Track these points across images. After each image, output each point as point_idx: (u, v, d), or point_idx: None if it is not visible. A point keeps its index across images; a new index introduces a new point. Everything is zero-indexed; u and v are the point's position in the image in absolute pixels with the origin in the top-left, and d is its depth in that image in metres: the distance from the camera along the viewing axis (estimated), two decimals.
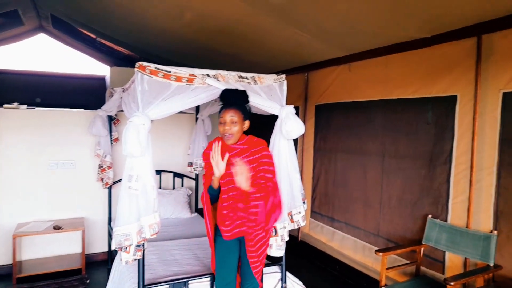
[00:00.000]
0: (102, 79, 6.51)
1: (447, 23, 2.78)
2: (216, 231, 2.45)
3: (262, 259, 2.41)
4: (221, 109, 2.32)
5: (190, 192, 4.83)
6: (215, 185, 2.29)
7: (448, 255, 2.98)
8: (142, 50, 5.62)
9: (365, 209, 3.80)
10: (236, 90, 2.32)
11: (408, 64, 3.31)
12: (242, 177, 2.14)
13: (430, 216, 3.08)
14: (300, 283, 2.92)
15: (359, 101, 3.87)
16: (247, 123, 2.35)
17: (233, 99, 2.29)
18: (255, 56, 4.50)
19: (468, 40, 2.81)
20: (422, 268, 3.15)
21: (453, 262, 2.95)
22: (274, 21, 3.23)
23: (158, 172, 4.60)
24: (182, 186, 4.86)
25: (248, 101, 2.35)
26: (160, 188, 4.66)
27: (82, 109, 4.51)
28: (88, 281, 3.81)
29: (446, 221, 2.98)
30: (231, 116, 2.25)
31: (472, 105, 2.79)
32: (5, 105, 4.04)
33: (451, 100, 2.94)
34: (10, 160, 4.00)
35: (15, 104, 4.13)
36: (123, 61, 6.54)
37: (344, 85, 4.07)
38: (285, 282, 2.79)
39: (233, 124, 2.26)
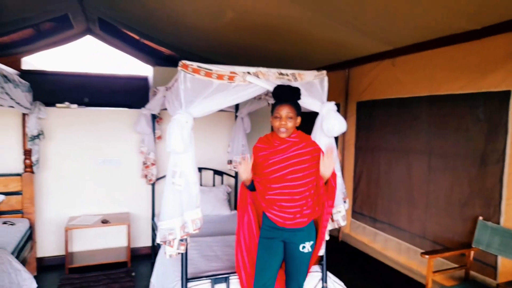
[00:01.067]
0: (145, 79, 6.74)
1: (499, 13, 2.61)
2: (261, 233, 2.43)
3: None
4: (275, 104, 2.33)
5: (230, 190, 4.88)
6: (246, 183, 2.45)
7: (500, 259, 2.81)
8: (183, 49, 5.75)
9: (410, 210, 3.67)
10: (290, 86, 2.33)
11: (456, 58, 3.15)
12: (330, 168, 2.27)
13: (481, 218, 2.92)
14: (341, 283, 2.87)
15: (403, 97, 3.74)
16: (299, 119, 2.36)
17: (288, 95, 2.30)
18: (294, 53, 4.47)
19: None
20: (472, 272, 3.00)
21: (506, 267, 2.78)
22: (314, 16, 3.19)
23: (199, 170, 4.68)
24: (222, 183, 4.92)
25: (299, 98, 2.35)
26: (201, 185, 4.74)
27: (127, 108, 4.68)
28: (133, 274, 3.96)
29: (498, 223, 2.81)
30: (287, 111, 2.26)
31: None
32: (57, 105, 4.28)
33: (505, 96, 2.77)
34: (62, 157, 4.24)
35: (66, 103, 4.36)
36: (164, 61, 6.72)
37: (387, 81, 3.94)
38: (326, 282, 2.76)
39: (289, 119, 2.27)
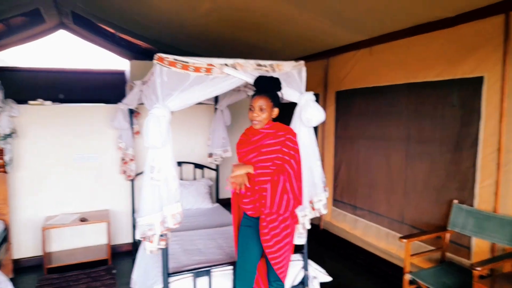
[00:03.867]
0: (122, 74, 6.60)
1: (472, 1, 2.67)
2: (242, 221, 2.48)
3: (281, 254, 2.32)
4: (252, 96, 2.33)
5: (211, 183, 4.86)
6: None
7: (474, 240, 2.91)
8: (161, 42, 5.66)
9: (389, 196, 3.74)
10: (268, 77, 2.33)
11: (431, 45, 3.20)
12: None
13: (456, 201, 3.01)
14: (323, 270, 2.92)
15: (381, 86, 3.79)
16: (276, 111, 2.34)
17: (263, 86, 2.30)
18: (274, 44, 4.46)
19: (495, 18, 2.69)
20: (448, 254, 3.09)
21: (480, 247, 2.88)
22: (291, 7, 3.18)
23: (179, 164, 4.65)
24: (203, 177, 4.90)
25: (280, 89, 2.34)
26: (181, 179, 4.71)
27: (104, 104, 4.59)
28: (114, 271, 3.92)
29: (472, 206, 2.90)
30: (259, 103, 2.26)
31: (499, 85, 2.68)
32: (30, 102, 4.15)
33: (478, 82, 2.84)
34: (36, 156, 4.12)
35: (40, 100, 4.23)
36: (142, 54, 6.61)
37: (365, 70, 3.99)
38: (307, 270, 2.79)
39: (261, 111, 2.27)
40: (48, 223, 3.93)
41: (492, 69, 2.74)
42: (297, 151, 2.32)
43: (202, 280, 2.54)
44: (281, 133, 2.32)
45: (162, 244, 2.28)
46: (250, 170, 2.26)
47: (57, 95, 6.17)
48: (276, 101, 2.33)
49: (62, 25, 6.19)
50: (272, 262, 2.32)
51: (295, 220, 2.46)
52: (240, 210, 2.54)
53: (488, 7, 2.68)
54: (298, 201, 2.31)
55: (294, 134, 2.35)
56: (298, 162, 2.31)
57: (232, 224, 2.65)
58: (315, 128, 2.69)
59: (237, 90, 3.71)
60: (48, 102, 4.25)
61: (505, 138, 2.65)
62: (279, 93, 2.36)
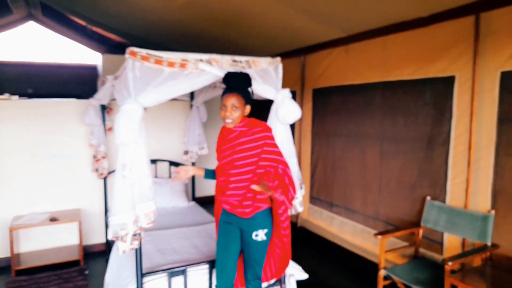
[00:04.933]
0: (94, 68, 6.42)
1: (445, 1, 2.73)
2: (221, 217, 2.45)
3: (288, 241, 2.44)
4: (223, 93, 2.27)
5: (187, 181, 4.80)
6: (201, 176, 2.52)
7: (446, 236, 2.98)
8: (135, 36, 5.53)
9: (364, 193, 3.79)
10: (238, 73, 2.26)
11: (406, 45, 3.25)
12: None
13: (429, 198, 3.08)
14: (300, 268, 2.92)
15: (357, 84, 3.82)
16: (248, 108, 2.30)
17: (235, 83, 2.24)
18: (250, 40, 4.43)
19: (466, 19, 2.75)
20: (421, 249, 3.16)
21: (452, 243, 2.95)
22: (268, 3, 3.15)
23: (154, 161, 4.56)
24: None
25: (250, 85, 2.29)
26: (156, 177, 4.62)
27: (75, 99, 4.43)
28: (87, 272, 3.80)
29: (444, 202, 2.97)
30: (232, 102, 2.21)
31: (470, 85, 2.75)
32: None
33: (449, 81, 2.90)
34: (3, 153, 3.94)
35: (6, 95, 4.05)
36: (115, 48, 6.44)
37: (342, 68, 4.01)
38: None
39: (234, 109, 2.22)
40: (16, 223, 3.77)
41: (463, 69, 2.80)
42: (278, 151, 2.29)
43: (177, 280, 2.49)
44: (256, 129, 2.26)
45: (135, 244, 2.22)
46: (197, 173, 2.46)
47: (25, 89, 5.95)
48: (248, 97, 2.28)
49: (31, 17, 5.95)
50: (287, 247, 2.43)
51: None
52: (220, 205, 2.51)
53: (459, 8, 2.73)
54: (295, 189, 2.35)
55: (270, 130, 2.30)
56: (283, 161, 2.30)
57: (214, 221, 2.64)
58: (292, 126, 2.69)
59: (213, 86, 3.66)
60: (15, 97, 4.07)
61: (475, 136, 2.72)
62: (249, 89, 2.30)
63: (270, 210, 2.38)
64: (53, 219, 3.84)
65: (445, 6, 2.79)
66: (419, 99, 3.16)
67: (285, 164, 2.29)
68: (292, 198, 2.31)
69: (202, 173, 2.49)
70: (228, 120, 2.24)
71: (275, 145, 2.30)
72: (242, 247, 2.39)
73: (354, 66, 3.83)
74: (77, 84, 6.39)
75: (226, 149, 2.32)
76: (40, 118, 4.09)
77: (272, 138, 2.30)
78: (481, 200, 2.72)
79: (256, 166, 2.24)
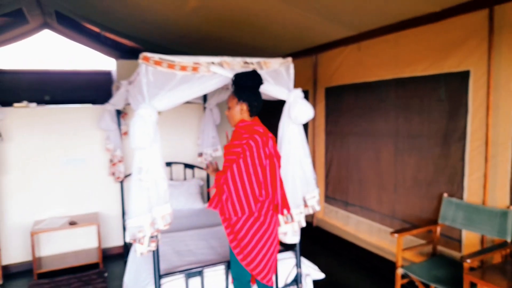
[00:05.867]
0: (108, 74, 6.53)
1: None
2: None
3: (246, 255, 2.25)
4: None
5: (202, 183, 4.83)
6: None
7: (464, 233, 2.94)
8: (147, 41, 5.60)
9: (380, 191, 3.76)
10: (238, 73, 2.29)
11: (418, 40, 3.21)
12: None
13: (445, 194, 3.03)
14: (316, 267, 2.92)
15: (369, 81, 3.80)
16: (244, 106, 2.29)
17: (233, 82, 2.30)
18: (261, 41, 4.44)
19: (479, 12, 2.71)
20: (439, 247, 3.12)
21: (470, 240, 2.90)
22: (279, 3, 3.16)
23: (169, 164, 4.61)
24: (193, 177, 4.87)
25: (252, 82, 2.27)
26: (171, 179, 4.67)
27: (90, 105, 4.52)
28: (106, 274, 3.87)
29: (462, 199, 2.93)
30: (227, 102, 2.31)
31: (485, 79, 2.70)
32: (15, 104, 4.07)
33: (464, 76, 2.86)
34: (22, 159, 4.05)
35: (25, 102, 4.15)
36: (128, 53, 6.54)
37: (354, 66, 3.99)
38: (300, 267, 2.79)
39: (228, 109, 2.32)
40: (36, 227, 3.86)
41: (477, 63, 2.76)
42: (246, 154, 2.18)
43: (195, 281, 2.51)
44: (245, 135, 2.23)
45: (153, 246, 2.26)
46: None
47: (42, 96, 6.09)
48: (241, 95, 2.27)
49: (46, 25, 6.09)
50: (242, 262, 2.26)
51: (264, 218, 2.29)
52: None
53: (473, 1, 2.69)
54: (250, 207, 2.20)
55: (255, 140, 2.20)
56: (246, 164, 2.18)
57: None
58: (305, 125, 2.69)
59: (225, 88, 3.69)
60: (33, 104, 4.17)
61: (492, 131, 2.68)
62: (249, 84, 2.28)
63: None
64: (72, 223, 3.93)
65: (458, 0, 2.75)
66: (433, 95, 3.12)
67: (230, 174, 2.20)
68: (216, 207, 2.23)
69: None
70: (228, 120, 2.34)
71: (243, 154, 2.19)
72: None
73: (367, 63, 3.81)
74: (92, 90, 6.50)
75: (225, 148, 2.35)
76: (58, 124, 4.19)
77: (251, 149, 2.19)
78: (500, 196, 2.67)
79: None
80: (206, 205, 4.54)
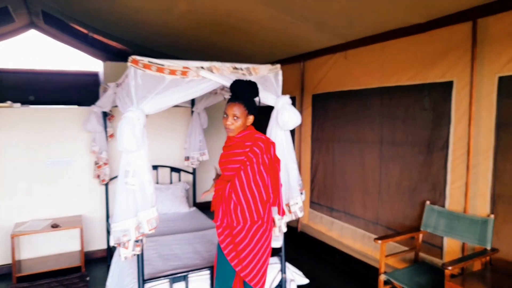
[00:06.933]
0: (95, 75, 6.46)
1: (442, 7, 2.77)
2: None
3: (242, 259, 2.22)
4: (228, 101, 2.27)
5: (188, 187, 4.81)
6: None
7: (446, 240, 3.00)
8: (136, 44, 5.58)
9: (364, 198, 3.80)
10: (245, 81, 2.25)
11: (404, 50, 3.29)
12: None
13: (428, 202, 3.09)
14: (300, 273, 2.93)
15: (356, 89, 3.86)
16: (251, 118, 2.27)
17: (239, 92, 2.23)
18: (250, 47, 4.47)
19: (463, 25, 2.79)
20: (421, 254, 3.17)
21: (451, 247, 2.96)
22: (268, 10, 3.19)
23: (155, 167, 4.58)
24: (180, 180, 4.84)
25: (256, 94, 2.26)
26: (157, 183, 4.64)
27: (76, 106, 4.47)
28: (88, 278, 3.81)
29: (444, 206, 2.99)
30: (234, 111, 2.20)
31: (468, 90, 2.78)
32: None
33: (448, 86, 2.93)
34: (5, 160, 3.96)
35: (9, 102, 4.07)
36: (116, 56, 6.49)
37: (341, 73, 4.05)
38: (285, 273, 2.80)
39: (235, 119, 2.20)
40: (17, 230, 3.78)
41: (461, 74, 2.83)
42: (252, 161, 2.17)
43: (179, 286, 2.50)
44: (247, 143, 2.23)
45: (137, 250, 2.24)
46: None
47: (27, 97, 5.98)
48: (252, 108, 2.25)
49: (32, 25, 6.00)
50: (232, 264, 2.23)
51: (267, 225, 2.30)
52: None
53: (457, 14, 2.77)
54: (258, 212, 2.19)
55: (259, 146, 2.19)
56: (253, 171, 2.16)
57: None
58: (292, 131, 2.71)
59: (214, 92, 3.70)
60: (18, 105, 4.09)
61: (474, 141, 2.75)
62: (256, 98, 2.29)
63: None
64: (54, 226, 3.86)
65: (443, 12, 2.83)
66: (418, 104, 3.19)
67: (243, 180, 2.17)
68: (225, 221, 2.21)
69: None
70: (228, 129, 2.24)
71: (251, 159, 2.18)
72: None
73: (353, 71, 3.87)
74: (78, 91, 6.42)
75: (223, 156, 2.33)
76: (42, 125, 4.12)
77: (256, 153, 2.18)
78: (480, 205, 2.73)
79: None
80: (192, 209, 4.55)
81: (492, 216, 2.62)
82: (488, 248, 2.61)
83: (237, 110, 2.20)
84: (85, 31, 5.84)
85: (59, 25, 5.77)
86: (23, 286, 3.62)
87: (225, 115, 2.25)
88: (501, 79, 2.58)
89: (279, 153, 2.58)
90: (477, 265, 2.69)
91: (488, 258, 2.62)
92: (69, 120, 4.25)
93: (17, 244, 3.94)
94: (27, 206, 4.08)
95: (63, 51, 6.88)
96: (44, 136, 4.13)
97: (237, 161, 2.22)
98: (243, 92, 2.24)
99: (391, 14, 2.98)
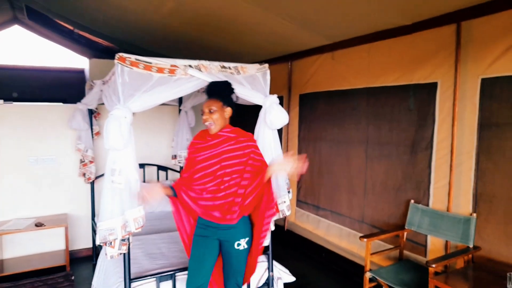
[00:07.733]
0: (81, 72, 6.37)
1: (428, 10, 2.81)
2: (196, 230, 2.35)
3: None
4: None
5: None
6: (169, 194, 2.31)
7: (430, 238, 3.05)
8: (123, 41, 5.51)
9: (350, 197, 3.85)
10: (219, 81, 2.31)
11: (390, 52, 3.33)
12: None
13: (412, 201, 3.15)
14: (287, 271, 2.96)
15: (342, 89, 3.89)
16: (228, 110, 2.27)
17: (214, 90, 2.27)
18: (238, 46, 4.46)
19: (448, 27, 2.84)
20: (406, 252, 3.22)
21: (435, 245, 3.02)
22: (256, 10, 3.20)
23: (142, 166, 4.54)
24: (167, 179, 4.82)
25: (232, 92, 2.31)
26: (144, 181, 4.61)
27: (61, 103, 4.40)
28: (73, 278, 3.76)
29: (428, 205, 3.05)
30: (208, 106, 2.22)
31: (452, 91, 2.83)
32: None
33: (432, 87, 2.98)
34: None
35: None
36: (102, 53, 6.41)
37: (328, 74, 4.08)
38: (272, 271, 2.82)
39: (212, 112, 2.21)
40: (0, 228, 3.71)
41: (445, 76, 2.89)
42: (264, 161, 2.28)
43: (166, 285, 2.49)
44: (242, 138, 2.26)
45: (124, 249, 2.23)
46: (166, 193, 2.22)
47: (10, 93, 5.86)
48: (226, 100, 2.27)
49: (16, 20, 5.89)
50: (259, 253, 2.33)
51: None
52: (191, 219, 2.43)
53: (442, 16, 2.82)
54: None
55: (255, 141, 2.33)
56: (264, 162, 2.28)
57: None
58: (279, 130, 2.73)
59: (201, 91, 3.68)
60: (0, 101, 4.02)
61: (457, 141, 2.81)
62: (232, 95, 2.32)
63: (249, 217, 2.36)
64: (38, 225, 3.80)
65: (428, 15, 2.88)
66: (403, 104, 3.24)
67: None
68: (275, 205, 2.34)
69: (170, 191, 2.27)
70: (208, 123, 2.22)
71: (261, 155, 2.30)
72: (222, 258, 2.36)
73: (340, 72, 3.91)
74: (63, 88, 6.31)
75: (210, 157, 2.25)
76: (26, 122, 4.05)
77: (258, 148, 2.31)
78: (463, 203, 2.79)
79: (241, 175, 2.22)
80: None
81: (475, 214, 2.69)
82: (471, 246, 2.67)
83: (212, 103, 2.23)
84: (70, 27, 5.74)
85: (43, 21, 5.67)
86: (5, 286, 3.56)
87: (201, 114, 2.26)
88: (484, 81, 2.64)
89: (266, 152, 2.60)
90: (460, 262, 2.75)
91: (470, 256, 2.68)
92: (54, 117, 4.18)
93: None
94: (10, 204, 4.01)
95: (47, 47, 6.75)
96: (28, 133, 4.06)
97: (239, 156, 2.22)
98: (218, 89, 2.27)
99: (378, 16, 3.02)
